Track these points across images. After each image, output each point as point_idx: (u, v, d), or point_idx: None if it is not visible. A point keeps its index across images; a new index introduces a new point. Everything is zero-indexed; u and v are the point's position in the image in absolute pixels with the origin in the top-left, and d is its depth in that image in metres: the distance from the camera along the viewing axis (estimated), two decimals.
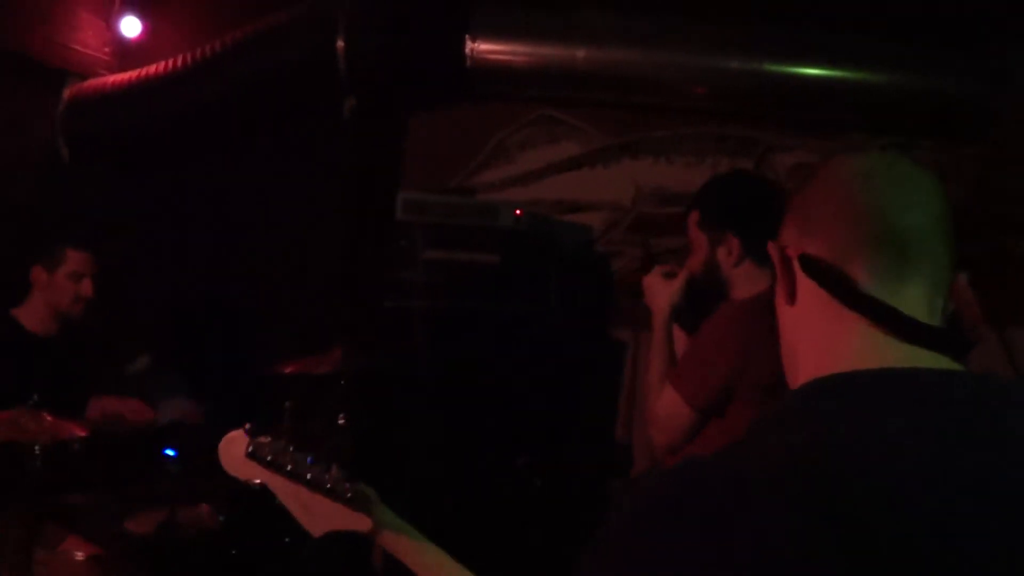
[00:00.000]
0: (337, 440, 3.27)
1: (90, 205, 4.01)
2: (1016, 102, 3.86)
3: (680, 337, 2.60)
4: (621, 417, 4.22)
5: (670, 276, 2.55)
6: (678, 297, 2.52)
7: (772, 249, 1.05)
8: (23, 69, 3.87)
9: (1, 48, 3.75)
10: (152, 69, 4.02)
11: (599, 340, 4.26)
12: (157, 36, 4.28)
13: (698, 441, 2.34)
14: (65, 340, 3.42)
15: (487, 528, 3.47)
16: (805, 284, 1.00)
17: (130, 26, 4.25)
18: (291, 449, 1.58)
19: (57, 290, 3.34)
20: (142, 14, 4.26)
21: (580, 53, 3.93)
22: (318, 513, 1.60)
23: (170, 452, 3.47)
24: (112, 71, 4.18)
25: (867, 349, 0.93)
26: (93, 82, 4.14)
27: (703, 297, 2.50)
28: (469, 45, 3.97)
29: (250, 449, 1.59)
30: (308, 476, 1.57)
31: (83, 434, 2.98)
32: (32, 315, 3.37)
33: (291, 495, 1.60)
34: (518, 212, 3.99)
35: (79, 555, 2.78)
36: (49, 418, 2.91)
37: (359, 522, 1.60)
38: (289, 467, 1.58)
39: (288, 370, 3.34)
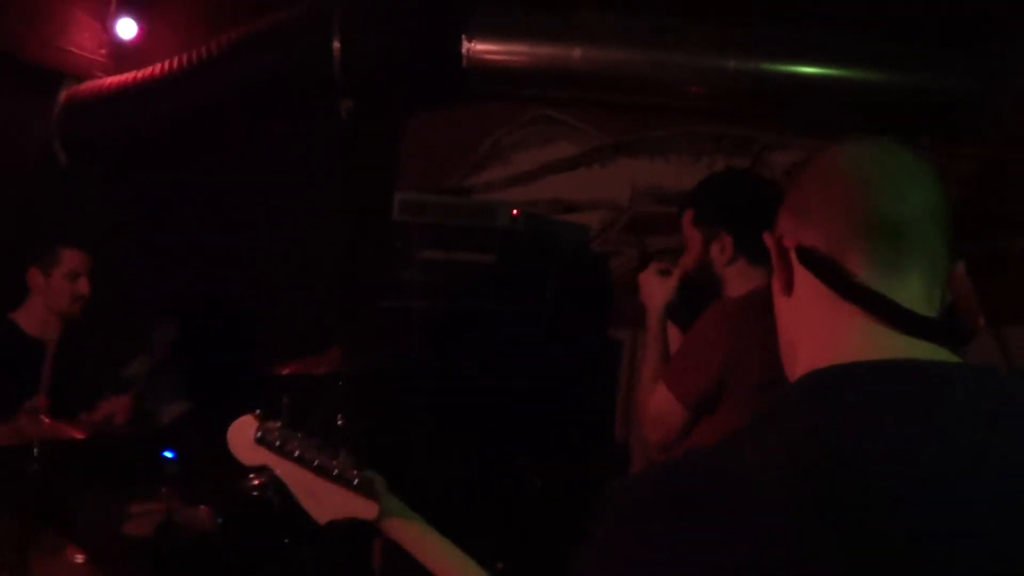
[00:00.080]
0: (335, 441, 3.26)
1: (88, 206, 4.00)
2: (1014, 101, 3.87)
3: (675, 334, 2.60)
4: (619, 416, 4.22)
5: (664, 273, 2.56)
6: (672, 294, 2.53)
7: (768, 240, 1.04)
8: (19, 72, 3.86)
9: None
10: (148, 71, 4.02)
11: (597, 339, 4.26)
12: (153, 38, 4.28)
13: (691, 439, 2.34)
14: (63, 342, 3.41)
15: (487, 528, 3.47)
16: (802, 275, 0.99)
17: (126, 28, 4.25)
18: (299, 435, 1.58)
19: (55, 291, 3.34)
20: (138, 16, 4.26)
21: (576, 53, 3.93)
22: (325, 500, 1.60)
23: (168, 454, 3.46)
24: (108, 73, 4.18)
25: (865, 341, 0.93)
26: (90, 84, 4.14)
27: (697, 295, 2.51)
28: (465, 45, 3.98)
29: (259, 434, 1.59)
30: (316, 462, 1.56)
31: (81, 436, 2.97)
32: (31, 318, 3.37)
33: (298, 481, 1.60)
34: (515, 212, 3.99)
35: (78, 557, 2.77)
36: (47, 420, 2.90)
37: (366, 509, 1.60)
38: (297, 453, 1.58)
39: (286, 370, 3.34)
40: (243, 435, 1.62)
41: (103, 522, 3.01)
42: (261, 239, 4.30)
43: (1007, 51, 3.89)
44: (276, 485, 3.19)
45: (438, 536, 1.64)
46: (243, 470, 3.23)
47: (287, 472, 1.61)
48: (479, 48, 3.98)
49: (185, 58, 3.96)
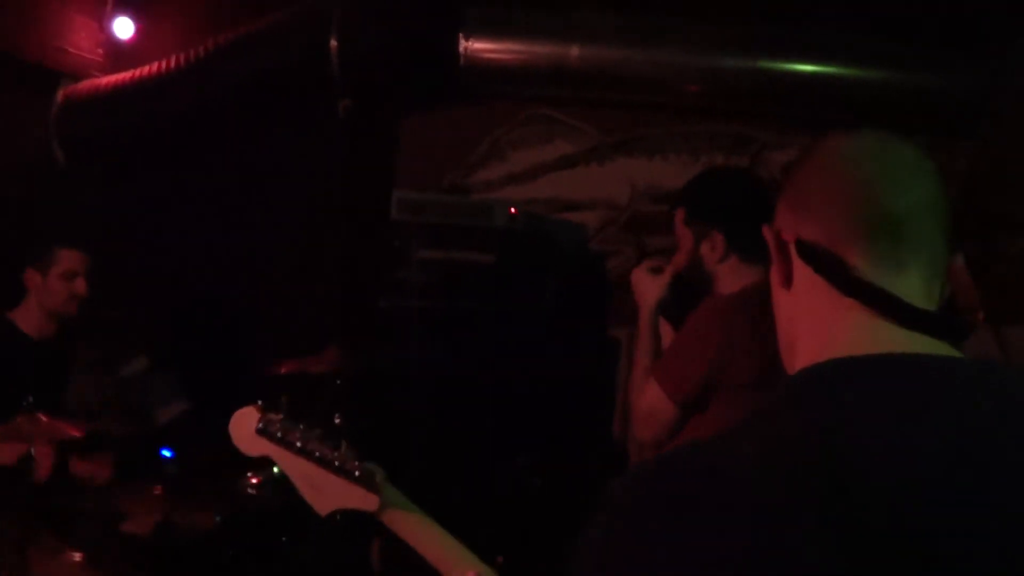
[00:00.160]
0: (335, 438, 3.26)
1: (87, 206, 4.00)
2: (1013, 100, 3.88)
3: (667, 332, 2.61)
4: (617, 414, 4.21)
5: (657, 271, 2.57)
6: (664, 292, 2.53)
7: (767, 233, 1.04)
8: (16, 71, 3.86)
9: None
10: (145, 70, 4.02)
11: (595, 338, 4.26)
12: (150, 37, 4.28)
13: (682, 437, 2.34)
14: (59, 341, 3.41)
15: (486, 526, 3.46)
16: (801, 269, 0.99)
17: (123, 27, 4.25)
18: (301, 427, 1.58)
19: (51, 291, 3.34)
20: (135, 15, 4.27)
21: (574, 52, 3.94)
22: (326, 491, 1.60)
23: (167, 453, 3.46)
24: (105, 73, 4.18)
25: (864, 335, 0.92)
26: (87, 84, 4.14)
27: (690, 293, 2.51)
28: (463, 44, 3.98)
29: (260, 425, 1.59)
30: (317, 453, 1.56)
31: (79, 435, 2.96)
32: (28, 318, 3.37)
33: (299, 472, 1.60)
34: (513, 211, 3.99)
35: (76, 556, 2.77)
36: (45, 419, 2.89)
37: (366, 501, 1.60)
38: (298, 444, 1.58)
39: (284, 370, 3.34)
40: (245, 425, 1.62)
41: (101, 521, 3.00)
42: (259, 238, 4.30)
43: (1006, 50, 3.89)
44: (274, 484, 3.19)
45: (438, 528, 1.64)
46: (242, 469, 3.24)
47: (288, 463, 1.60)
48: (477, 47, 3.98)
49: (182, 57, 3.96)
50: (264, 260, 4.28)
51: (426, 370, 3.89)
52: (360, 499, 1.59)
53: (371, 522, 1.66)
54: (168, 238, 4.26)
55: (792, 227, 1.00)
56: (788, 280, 1.01)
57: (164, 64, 3.98)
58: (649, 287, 2.55)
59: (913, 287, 0.94)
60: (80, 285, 3.35)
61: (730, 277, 2.41)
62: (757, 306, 2.25)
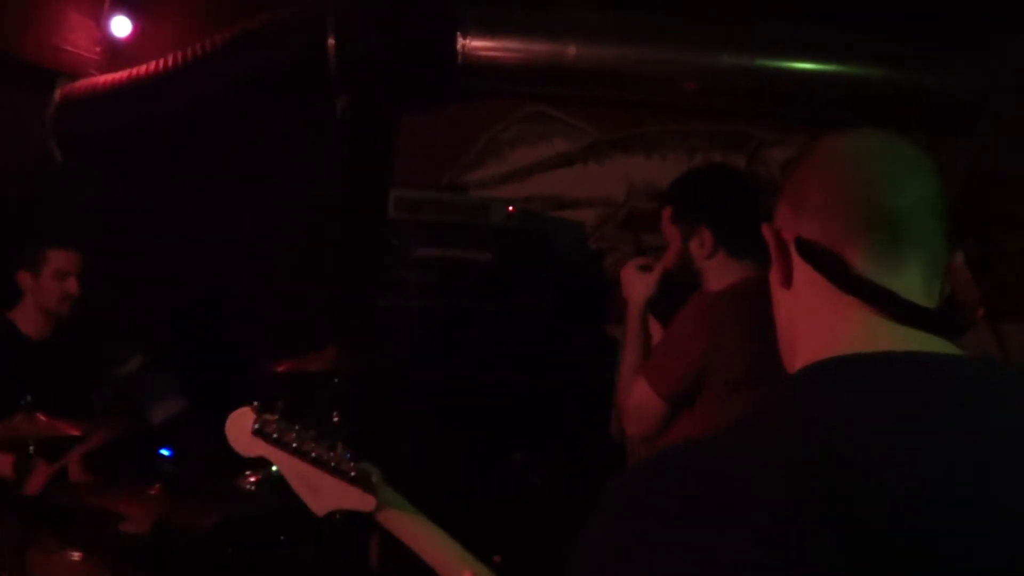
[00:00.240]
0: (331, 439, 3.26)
1: (84, 205, 4.00)
2: (1012, 98, 3.88)
3: (657, 331, 2.62)
4: (615, 413, 4.22)
5: (646, 269, 2.58)
6: (652, 290, 2.54)
7: (767, 232, 1.03)
8: (14, 70, 3.85)
9: None
10: (143, 69, 4.01)
11: (592, 336, 4.26)
12: (148, 36, 4.27)
13: (671, 432, 2.35)
14: (58, 341, 3.42)
15: (484, 525, 3.46)
16: (801, 268, 0.98)
17: (120, 26, 4.24)
18: (297, 427, 1.58)
19: (44, 291, 3.35)
20: (132, 14, 4.26)
21: (571, 50, 3.94)
22: (322, 492, 1.60)
23: (165, 452, 3.46)
24: (103, 71, 4.17)
25: (864, 333, 0.92)
26: (84, 82, 4.13)
27: (679, 290, 2.52)
28: (460, 42, 3.98)
29: (256, 426, 1.59)
30: (313, 454, 1.57)
31: (78, 434, 2.96)
32: (25, 318, 3.39)
33: (295, 473, 1.60)
34: (511, 209, 4.00)
35: (75, 555, 2.76)
36: (43, 418, 2.89)
37: (363, 501, 1.60)
38: (294, 445, 1.58)
39: (282, 368, 3.34)
40: (240, 427, 1.62)
41: (100, 521, 3.00)
42: (257, 237, 4.30)
43: (1006, 48, 3.89)
44: (273, 483, 3.19)
45: (435, 528, 1.65)
46: (240, 468, 3.24)
47: (284, 464, 1.61)
48: (474, 45, 3.98)
49: (180, 56, 3.95)
50: (262, 259, 4.28)
51: (424, 368, 3.89)
52: (356, 500, 1.60)
53: (369, 521, 1.66)
54: (166, 237, 4.27)
55: (792, 226, 0.99)
56: (788, 279, 1.01)
57: (162, 63, 3.98)
58: (638, 285, 2.56)
59: (913, 285, 0.93)
60: (72, 284, 3.36)
61: (719, 273, 2.42)
62: (745, 302, 2.27)
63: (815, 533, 0.75)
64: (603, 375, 4.27)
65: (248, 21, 3.95)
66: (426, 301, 3.94)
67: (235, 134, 4.29)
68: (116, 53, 4.23)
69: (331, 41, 3.86)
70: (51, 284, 3.34)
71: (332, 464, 1.57)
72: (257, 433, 1.60)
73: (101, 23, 4.23)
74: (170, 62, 3.96)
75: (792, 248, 0.99)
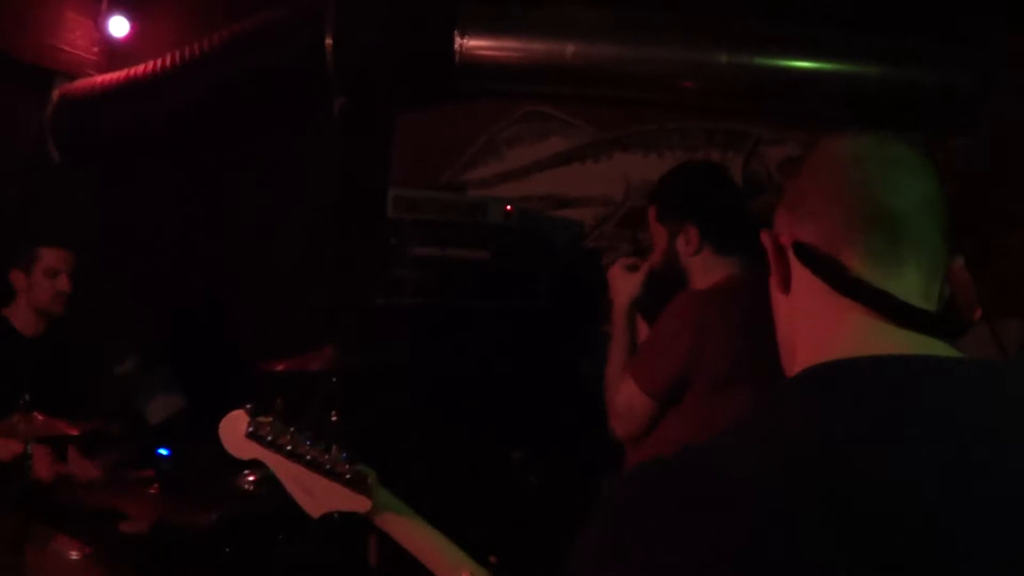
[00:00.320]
0: (329, 437, 3.26)
1: (82, 205, 4.00)
2: (1009, 96, 3.88)
3: (644, 330, 2.62)
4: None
5: (633, 269, 2.58)
6: (639, 290, 2.54)
7: (765, 237, 1.03)
8: (11, 70, 3.86)
9: None
10: (141, 69, 4.01)
11: (590, 335, 4.26)
12: (145, 36, 4.28)
13: (659, 430, 2.35)
14: (57, 340, 3.42)
15: (481, 524, 3.47)
16: (799, 272, 0.99)
17: (118, 26, 4.25)
18: (291, 430, 1.58)
19: (36, 290, 3.36)
20: (130, 14, 4.26)
21: (569, 48, 3.93)
22: (317, 494, 1.60)
23: (163, 451, 3.46)
24: (101, 71, 4.18)
25: (862, 336, 0.92)
26: (82, 82, 4.14)
27: (667, 289, 2.52)
28: (458, 41, 3.97)
29: (250, 429, 1.59)
30: (308, 457, 1.56)
31: (74, 433, 2.96)
32: (19, 317, 3.40)
33: (290, 475, 1.60)
34: (509, 208, 4.00)
35: (73, 554, 2.76)
36: (40, 417, 2.89)
37: (358, 503, 1.60)
38: (289, 447, 1.58)
39: (280, 367, 3.33)
40: (234, 429, 1.62)
41: (98, 520, 3.00)
42: (255, 236, 4.30)
43: (1003, 45, 3.89)
44: (271, 482, 3.18)
45: (431, 529, 1.64)
46: (238, 467, 3.24)
47: (279, 466, 1.60)
48: (472, 44, 3.98)
49: (177, 56, 3.96)
50: (260, 258, 4.28)
51: (422, 367, 3.89)
52: (351, 502, 1.59)
53: (366, 522, 1.66)
54: (165, 236, 4.27)
55: (789, 230, 1.00)
56: (786, 283, 1.01)
57: (159, 63, 3.98)
58: (624, 285, 2.56)
59: (912, 287, 0.93)
60: (63, 282, 3.36)
61: (704, 271, 2.43)
62: (730, 300, 2.28)
63: (814, 533, 0.75)
64: (601, 374, 4.29)
65: (245, 21, 3.95)
66: (424, 300, 3.94)
67: (233, 134, 4.28)
68: (114, 53, 4.24)
69: (329, 41, 3.86)
70: (43, 282, 3.35)
71: (327, 466, 1.57)
72: (251, 436, 1.60)
73: (99, 23, 4.23)
74: (168, 62, 3.96)
75: (790, 252, 0.99)
